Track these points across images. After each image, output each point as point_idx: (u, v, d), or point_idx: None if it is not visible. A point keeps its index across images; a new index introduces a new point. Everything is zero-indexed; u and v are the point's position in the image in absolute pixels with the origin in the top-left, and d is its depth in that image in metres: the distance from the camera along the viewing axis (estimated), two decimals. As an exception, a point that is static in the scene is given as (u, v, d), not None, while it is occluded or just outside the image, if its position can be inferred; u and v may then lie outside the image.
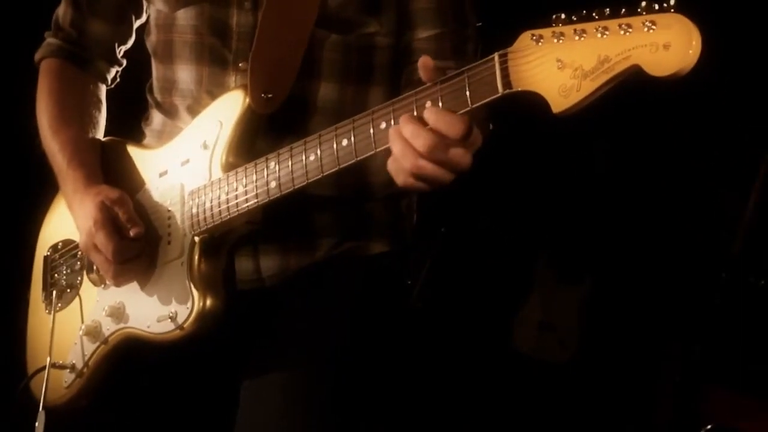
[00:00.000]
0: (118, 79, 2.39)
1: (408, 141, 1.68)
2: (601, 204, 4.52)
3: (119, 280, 2.08)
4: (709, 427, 3.67)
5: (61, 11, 2.33)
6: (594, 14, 1.49)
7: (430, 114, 1.67)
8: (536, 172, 4.50)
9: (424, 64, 1.70)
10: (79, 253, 2.22)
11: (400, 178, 1.74)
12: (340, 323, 2.08)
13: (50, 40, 2.34)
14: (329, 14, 2.06)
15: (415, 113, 1.69)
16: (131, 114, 2.37)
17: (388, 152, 1.74)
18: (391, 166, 1.74)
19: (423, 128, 1.67)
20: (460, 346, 4.51)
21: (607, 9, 1.48)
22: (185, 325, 1.97)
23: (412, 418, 3.99)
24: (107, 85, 2.38)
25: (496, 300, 4.63)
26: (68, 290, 2.24)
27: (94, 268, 2.14)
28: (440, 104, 1.67)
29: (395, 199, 2.21)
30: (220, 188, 1.99)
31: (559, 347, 4.59)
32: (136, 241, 2.05)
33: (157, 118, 2.27)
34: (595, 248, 4.59)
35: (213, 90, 2.12)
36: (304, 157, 1.85)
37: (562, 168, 4.51)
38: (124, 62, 2.38)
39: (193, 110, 2.15)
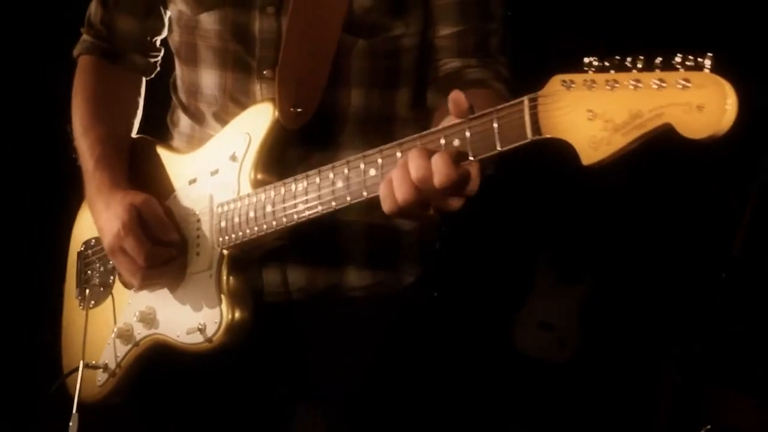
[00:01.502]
0: (159, 68, 2.36)
1: (407, 165, 1.67)
2: (600, 204, 4.50)
3: (145, 284, 2.08)
4: (709, 427, 3.67)
5: (92, 8, 2.31)
6: (627, 63, 1.44)
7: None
8: (536, 171, 4.47)
9: (456, 100, 1.66)
10: None
11: (387, 203, 1.71)
12: (372, 359, 2.11)
13: (84, 36, 2.33)
14: (355, 19, 2.01)
15: (443, 149, 1.66)
16: (155, 102, 2.38)
17: None
18: (384, 189, 1.71)
19: (426, 160, 1.65)
20: (459, 345, 4.50)
21: (641, 57, 1.43)
22: (214, 338, 1.98)
23: (411, 417, 3.98)
24: (147, 76, 2.36)
25: (496, 300, 4.62)
26: (101, 288, 2.25)
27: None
28: (468, 144, 1.64)
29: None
30: (248, 204, 1.97)
31: (559, 347, 4.59)
32: (168, 246, 2.05)
33: (184, 120, 2.24)
34: (595, 248, 4.58)
35: (238, 97, 2.09)
36: (331, 183, 1.83)
37: (561, 167, 4.49)
38: (162, 50, 2.34)
39: (220, 118, 2.13)
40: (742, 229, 3.98)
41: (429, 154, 1.66)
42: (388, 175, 1.70)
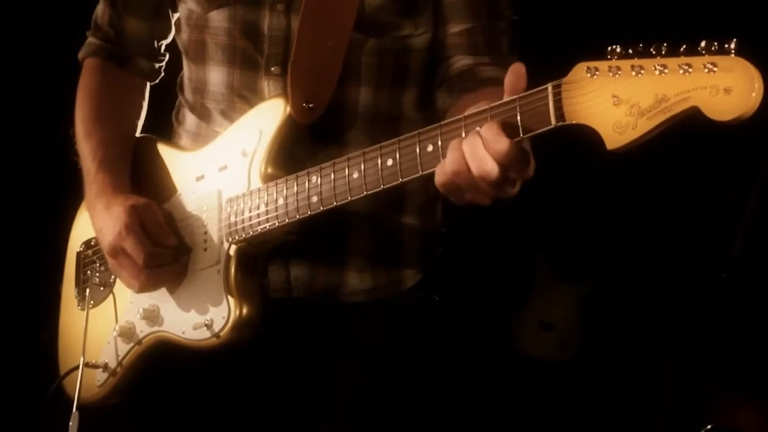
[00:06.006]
0: (163, 73, 2.36)
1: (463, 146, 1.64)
2: (601, 203, 4.51)
3: (148, 285, 2.06)
4: (709, 427, 3.68)
5: (99, 10, 2.30)
6: (651, 49, 1.44)
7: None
8: (536, 171, 4.48)
9: (517, 72, 1.63)
10: None
11: (440, 177, 1.69)
12: (373, 362, 2.10)
13: (91, 39, 2.32)
14: (365, 18, 2.02)
15: (463, 137, 1.66)
16: (160, 101, 2.37)
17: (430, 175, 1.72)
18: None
19: (479, 141, 1.62)
20: (459, 345, 4.49)
21: (665, 44, 1.43)
22: (221, 334, 1.97)
23: (413, 419, 3.97)
24: (151, 81, 2.35)
25: (496, 300, 4.62)
26: (101, 288, 2.23)
27: None
28: None
29: (427, 217, 2.19)
30: (259, 198, 1.97)
31: (559, 347, 4.60)
32: (168, 248, 2.05)
33: (190, 118, 2.24)
34: (595, 248, 4.58)
35: (245, 94, 2.09)
36: (347, 174, 1.82)
37: (561, 167, 4.50)
38: (167, 56, 2.34)
39: (228, 115, 2.13)
40: (742, 229, 3.99)
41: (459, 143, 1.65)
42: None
